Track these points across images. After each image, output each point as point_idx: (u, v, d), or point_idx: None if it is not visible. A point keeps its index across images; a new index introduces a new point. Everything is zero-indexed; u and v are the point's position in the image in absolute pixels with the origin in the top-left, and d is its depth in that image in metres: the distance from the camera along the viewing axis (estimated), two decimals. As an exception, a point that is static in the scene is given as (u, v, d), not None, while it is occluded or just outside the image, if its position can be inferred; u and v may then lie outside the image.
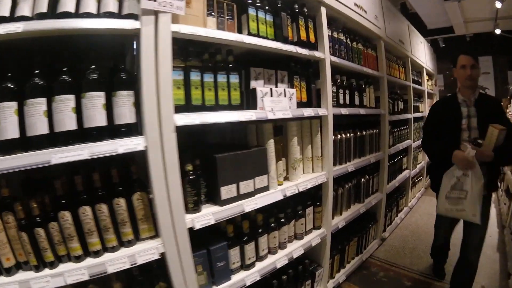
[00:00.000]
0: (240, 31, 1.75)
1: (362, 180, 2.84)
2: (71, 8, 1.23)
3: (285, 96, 1.89)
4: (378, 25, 3.15)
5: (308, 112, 2.00)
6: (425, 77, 5.31)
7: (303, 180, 2.06)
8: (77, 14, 1.24)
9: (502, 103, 2.12)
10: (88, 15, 1.25)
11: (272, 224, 1.92)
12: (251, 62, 1.90)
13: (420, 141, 4.43)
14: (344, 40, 2.54)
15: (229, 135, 2.13)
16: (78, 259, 1.27)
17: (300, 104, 2.04)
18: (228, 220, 1.68)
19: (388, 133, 3.35)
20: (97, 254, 1.30)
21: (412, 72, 4.56)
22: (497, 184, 2.32)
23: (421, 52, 5.14)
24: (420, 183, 5.00)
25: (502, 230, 3.96)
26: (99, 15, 1.27)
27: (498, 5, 5.54)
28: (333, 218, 2.45)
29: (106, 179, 1.36)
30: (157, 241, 1.36)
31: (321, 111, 2.14)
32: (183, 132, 1.38)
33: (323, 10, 2.20)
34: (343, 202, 2.60)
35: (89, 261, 1.27)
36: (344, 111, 2.38)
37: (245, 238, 1.76)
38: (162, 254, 1.35)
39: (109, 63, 1.35)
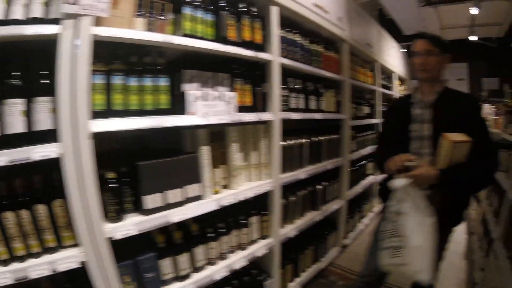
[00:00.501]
0: (177, 31, 1.66)
1: (318, 187, 2.75)
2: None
3: (223, 100, 1.78)
4: (342, 27, 3.06)
5: (249, 117, 1.89)
6: (396, 82, 5.28)
7: (245, 188, 1.95)
8: (3, 21, 1.22)
9: (480, 104, 1.75)
10: (14, 22, 1.22)
11: (210, 234, 1.83)
12: (191, 64, 1.79)
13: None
14: (300, 42, 2.44)
15: (174, 141, 2.01)
16: (5, 262, 1.25)
17: (243, 109, 1.92)
18: (161, 230, 1.61)
19: (351, 138, 3.28)
20: (21, 259, 1.28)
21: (383, 77, 4.51)
22: (462, 217, 1.73)
23: (393, 56, 5.11)
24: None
25: (470, 236, 3.94)
26: (26, 21, 1.24)
27: (474, 11, 5.57)
28: (283, 227, 2.36)
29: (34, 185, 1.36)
30: (78, 250, 1.32)
31: (266, 116, 2.03)
32: (122, 137, 1.37)
33: (274, 9, 2.10)
34: (295, 210, 2.50)
35: (14, 265, 1.25)
36: (295, 116, 2.28)
37: (177, 249, 1.67)
38: (83, 263, 1.31)
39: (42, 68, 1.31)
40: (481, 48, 7.99)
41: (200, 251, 1.77)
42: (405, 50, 6.29)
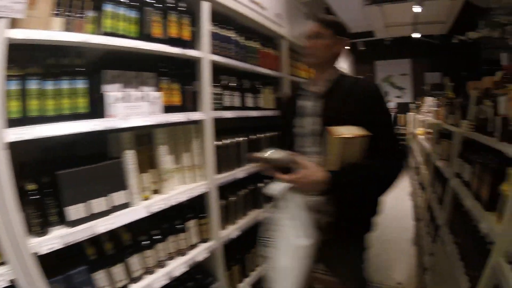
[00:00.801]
0: (97, 30, 1.55)
1: (260, 185, 2.73)
2: None
3: (147, 100, 1.69)
4: (281, 23, 3.06)
5: (177, 117, 1.81)
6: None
7: (177, 192, 1.87)
8: None
9: (380, 92, 1.46)
10: None
11: (145, 242, 1.74)
12: (114, 64, 1.70)
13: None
14: (235, 38, 2.40)
15: (102, 146, 1.88)
16: None
17: (171, 109, 1.84)
18: (92, 241, 1.52)
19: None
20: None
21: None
22: (369, 225, 1.54)
23: (337, 53, 5.22)
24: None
25: (417, 223, 4.13)
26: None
27: (417, 10, 5.87)
28: (225, 228, 2.31)
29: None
30: (6, 268, 1.22)
31: (196, 116, 1.96)
32: (47, 145, 1.33)
33: (205, 5, 2.03)
34: (237, 210, 2.47)
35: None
36: (229, 114, 2.23)
37: (111, 260, 1.58)
38: (13, 281, 1.22)
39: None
40: (424, 45, 8.48)
41: (135, 261, 1.68)
42: (349, 48, 6.50)
